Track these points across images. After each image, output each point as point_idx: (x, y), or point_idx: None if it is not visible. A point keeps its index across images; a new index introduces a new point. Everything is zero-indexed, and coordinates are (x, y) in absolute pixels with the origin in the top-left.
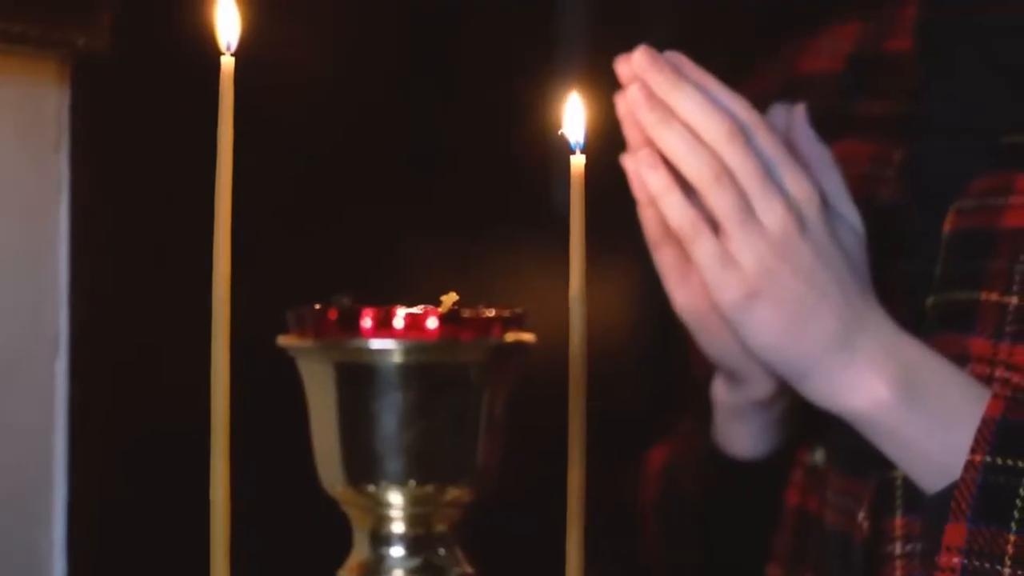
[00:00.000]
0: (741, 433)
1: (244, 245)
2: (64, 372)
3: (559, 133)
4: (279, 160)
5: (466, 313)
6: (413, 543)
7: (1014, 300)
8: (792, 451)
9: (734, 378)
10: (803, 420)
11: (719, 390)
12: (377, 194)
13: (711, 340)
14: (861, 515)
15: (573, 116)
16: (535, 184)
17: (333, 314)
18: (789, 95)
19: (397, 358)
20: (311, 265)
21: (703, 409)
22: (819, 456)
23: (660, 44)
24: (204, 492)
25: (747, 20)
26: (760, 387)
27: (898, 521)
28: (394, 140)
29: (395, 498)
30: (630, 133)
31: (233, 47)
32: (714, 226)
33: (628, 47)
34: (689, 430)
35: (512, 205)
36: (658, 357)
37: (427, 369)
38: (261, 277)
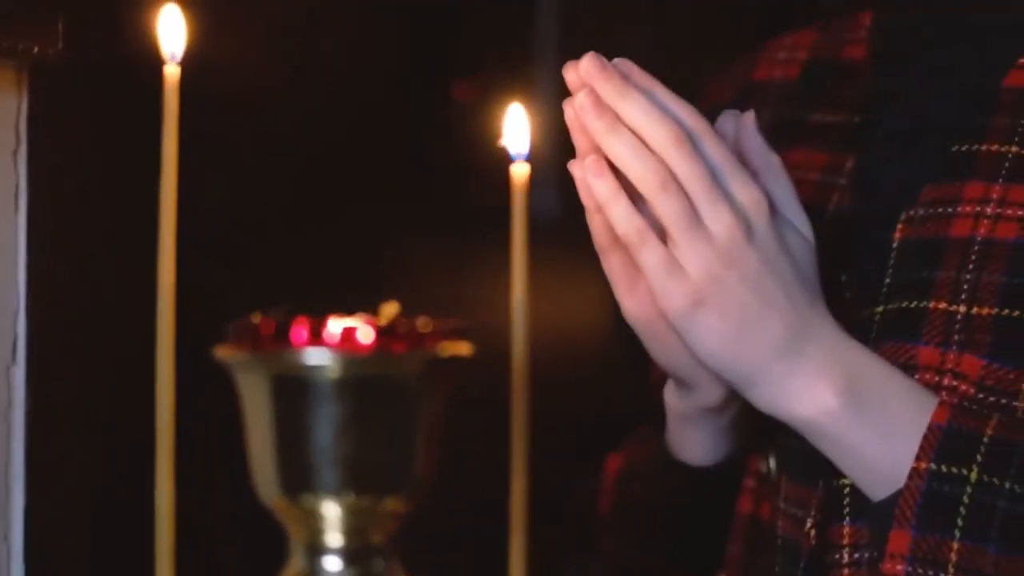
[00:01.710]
0: (692, 440)
1: (200, 252)
2: (22, 379)
3: (499, 143)
4: (246, 165)
5: (402, 325)
6: (350, 555)
7: (962, 309)
8: (746, 458)
9: (684, 385)
10: (756, 427)
11: (670, 397)
12: (354, 198)
13: (660, 347)
14: (809, 523)
15: (515, 126)
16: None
17: (267, 326)
18: (744, 103)
19: (331, 372)
20: (270, 272)
21: (660, 415)
22: (771, 463)
23: (636, 52)
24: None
25: (719, 36)
26: (710, 394)
27: (846, 529)
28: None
29: (331, 510)
30: (578, 140)
31: (178, 56)
32: (662, 233)
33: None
34: (645, 436)
35: (491, 209)
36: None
37: (361, 382)
38: (217, 284)
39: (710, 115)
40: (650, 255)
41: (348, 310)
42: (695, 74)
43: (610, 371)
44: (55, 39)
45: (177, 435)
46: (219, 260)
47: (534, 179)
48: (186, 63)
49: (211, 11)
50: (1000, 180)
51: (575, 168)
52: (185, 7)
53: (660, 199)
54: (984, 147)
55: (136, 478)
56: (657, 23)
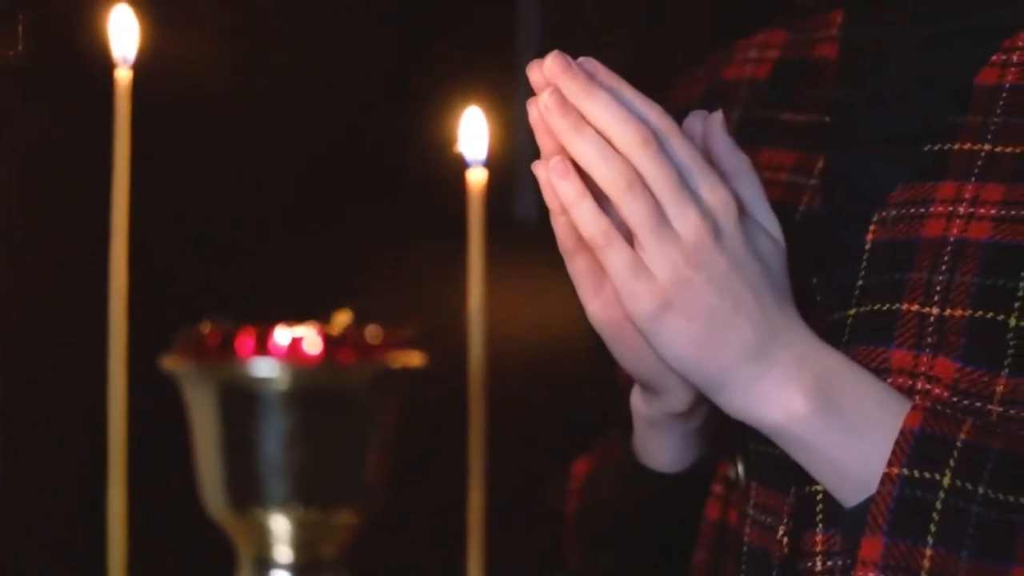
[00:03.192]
0: (660, 445)
1: (154, 258)
2: None
3: (455, 150)
4: (201, 171)
5: (351, 336)
6: (299, 569)
7: (935, 311)
8: (714, 464)
9: (651, 389)
10: (725, 432)
11: (637, 401)
12: (314, 203)
13: (626, 351)
14: (781, 530)
15: (472, 131)
16: (495, 194)
17: (213, 336)
18: (713, 102)
19: (278, 384)
20: (224, 279)
21: (628, 419)
22: (740, 469)
23: (618, 60)
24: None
25: (701, 38)
26: (677, 398)
27: (818, 536)
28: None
29: (279, 523)
30: (542, 140)
31: (130, 60)
32: (628, 235)
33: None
34: (612, 440)
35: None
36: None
37: (309, 393)
38: (172, 290)
39: (679, 115)
40: (616, 257)
41: (300, 318)
42: (677, 76)
43: (593, 372)
44: (15, 41)
45: (131, 443)
46: (173, 267)
47: (515, 182)
48: (146, 65)
49: (165, 12)
50: (973, 179)
51: (539, 169)
52: (139, 8)
53: (626, 200)
54: (956, 146)
55: (83, 491)
56: (639, 26)
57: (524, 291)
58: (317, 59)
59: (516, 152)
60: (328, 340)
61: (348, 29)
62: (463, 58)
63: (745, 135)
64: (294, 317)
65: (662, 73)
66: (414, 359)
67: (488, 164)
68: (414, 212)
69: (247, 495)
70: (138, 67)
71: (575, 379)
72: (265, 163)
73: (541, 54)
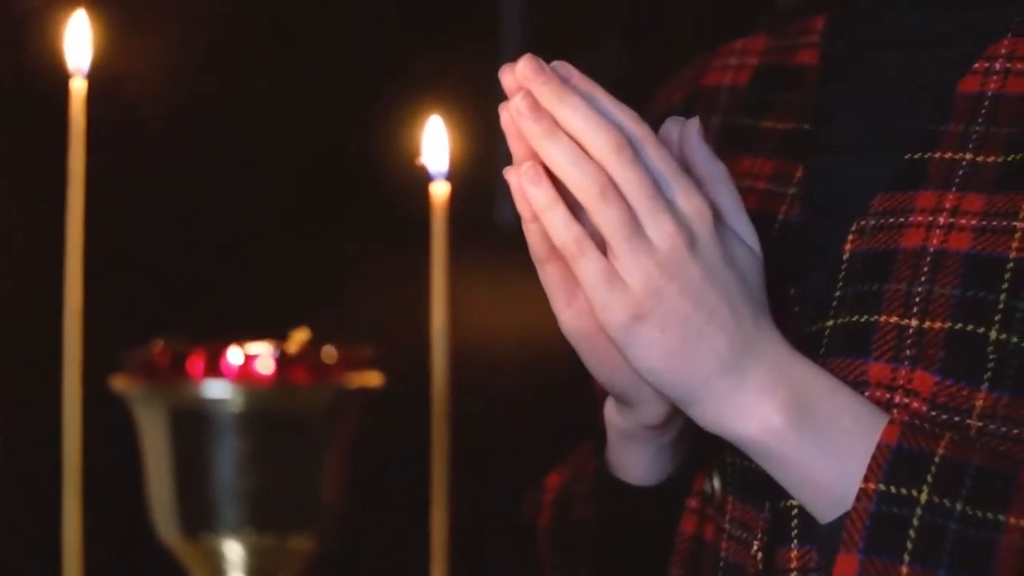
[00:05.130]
0: (634, 457)
1: (111, 272)
2: None
3: (417, 162)
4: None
5: (306, 355)
6: None
7: (914, 323)
8: (689, 478)
9: (625, 401)
10: (700, 445)
11: (611, 413)
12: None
13: (599, 363)
14: (755, 546)
15: (434, 143)
16: (477, 200)
17: (164, 356)
18: (694, 109)
19: (231, 405)
20: (186, 294)
21: (603, 430)
22: (716, 483)
23: (604, 68)
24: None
25: (687, 42)
26: (651, 411)
27: (794, 552)
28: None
29: (232, 549)
30: (514, 145)
31: (85, 70)
32: (601, 243)
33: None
34: (586, 453)
35: (455, 220)
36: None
37: (263, 415)
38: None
39: (660, 122)
40: (589, 266)
41: (259, 336)
42: (668, 76)
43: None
44: None
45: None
46: (130, 281)
47: (496, 187)
48: (103, 73)
49: (124, 20)
50: (953, 189)
51: (510, 175)
52: (100, 17)
53: (599, 208)
54: (937, 155)
55: (35, 511)
56: (624, 30)
57: (505, 297)
58: (288, 69)
59: (498, 157)
60: (282, 360)
61: (320, 35)
62: (445, 63)
63: (725, 143)
64: (256, 334)
65: (651, 74)
66: (372, 379)
67: (468, 169)
68: (388, 224)
69: (199, 520)
70: (97, 76)
71: (559, 385)
72: (229, 177)
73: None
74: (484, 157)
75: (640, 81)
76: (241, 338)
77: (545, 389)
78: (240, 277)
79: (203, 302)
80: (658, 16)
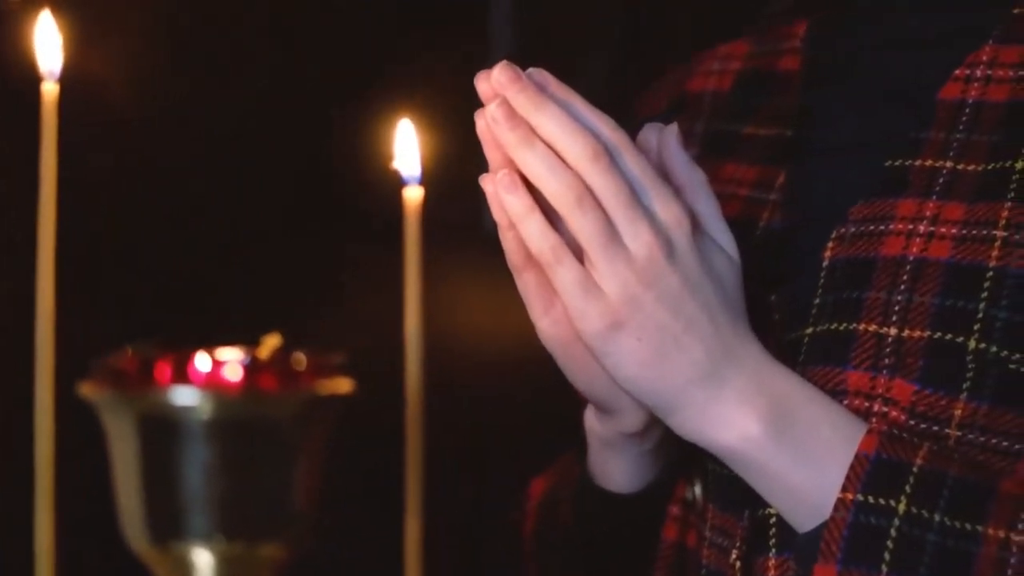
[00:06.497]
0: (614, 465)
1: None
2: None
3: (391, 167)
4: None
5: (276, 361)
6: None
7: (893, 331)
8: (671, 485)
9: (604, 409)
10: (682, 453)
11: (591, 421)
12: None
13: (578, 371)
14: (734, 554)
15: (406, 147)
16: (465, 205)
17: (131, 363)
18: (677, 115)
19: (200, 413)
20: (153, 300)
21: (584, 438)
22: (697, 490)
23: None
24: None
25: (677, 46)
26: (631, 419)
27: (771, 561)
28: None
29: (202, 557)
30: (490, 153)
31: (56, 73)
32: (578, 252)
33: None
34: (570, 460)
35: (442, 225)
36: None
37: (231, 422)
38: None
39: (643, 128)
40: (566, 274)
41: (230, 341)
42: (654, 80)
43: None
44: None
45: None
46: (101, 288)
47: (484, 192)
48: (73, 79)
49: (91, 22)
50: (934, 197)
51: (486, 183)
52: (68, 21)
53: (576, 216)
54: (918, 162)
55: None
56: (612, 35)
57: (496, 301)
58: (279, 72)
59: (487, 162)
60: (251, 366)
61: (314, 37)
62: (434, 66)
63: (708, 149)
64: (234, 339)
65: (649, 76)
66: (343, 386)
67: (456, 174)
68: (377, 228)
69: (168, 528)
70: (68, 80)
71: (552, 387)
72: (204, 181)
73: (517, 62)
74: (473, 162)
75: (637, 84)
76: (216, 343)
77: (539, 391)
78: (226, 281)
79: (184, 307)
80: (657, 17)
